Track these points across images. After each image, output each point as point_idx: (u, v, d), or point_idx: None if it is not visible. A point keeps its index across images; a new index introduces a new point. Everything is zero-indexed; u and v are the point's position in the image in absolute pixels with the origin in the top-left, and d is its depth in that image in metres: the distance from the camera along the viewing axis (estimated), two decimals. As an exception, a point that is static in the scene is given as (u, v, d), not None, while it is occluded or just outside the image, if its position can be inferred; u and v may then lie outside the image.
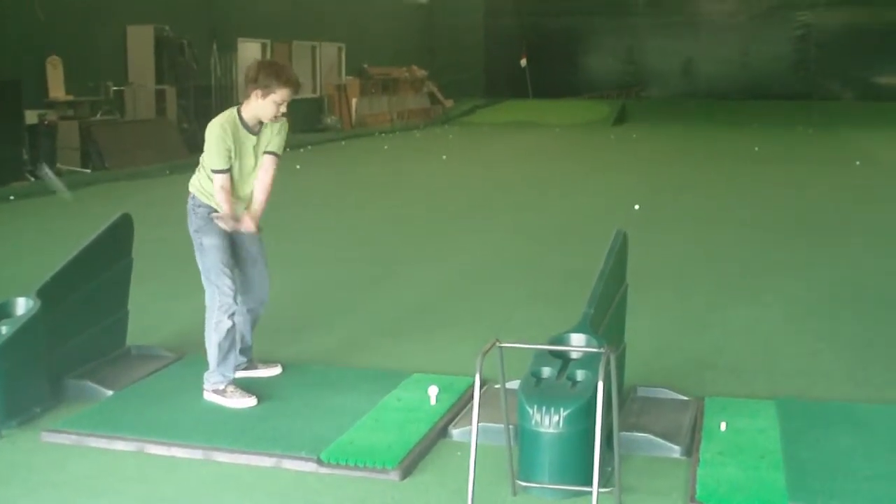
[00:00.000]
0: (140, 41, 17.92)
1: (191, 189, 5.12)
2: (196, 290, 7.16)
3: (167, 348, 5.89)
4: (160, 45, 17.90)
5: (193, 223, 5.08)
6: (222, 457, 4.37)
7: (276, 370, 5.48)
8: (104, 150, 15.70)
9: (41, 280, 5.15)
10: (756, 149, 20.20)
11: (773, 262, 8.88)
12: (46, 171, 12.22)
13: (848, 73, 32.84)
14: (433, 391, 4.99)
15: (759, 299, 7.42)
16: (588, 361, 4.20)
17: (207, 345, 5.08)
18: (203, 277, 5.10)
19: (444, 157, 19.27)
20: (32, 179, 14.09)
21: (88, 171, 15.32)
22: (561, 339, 4.37)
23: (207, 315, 5.10)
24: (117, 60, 17.73)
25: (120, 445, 4.49)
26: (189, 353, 5.83)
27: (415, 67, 29.48)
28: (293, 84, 4.97)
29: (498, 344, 3.78)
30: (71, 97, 16.15)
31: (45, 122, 14.90)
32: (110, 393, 5.13)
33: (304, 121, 23.15)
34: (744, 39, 34.05)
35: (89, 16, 16.91)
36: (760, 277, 8.19)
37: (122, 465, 4.33)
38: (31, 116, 14.69)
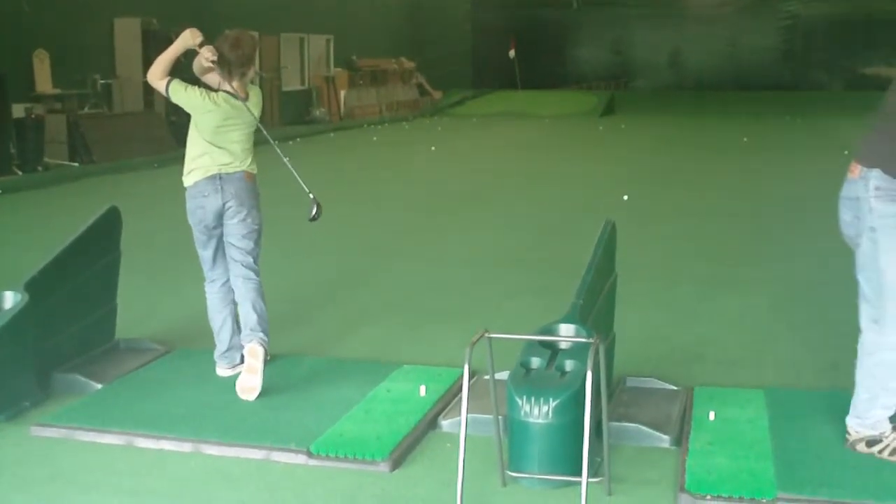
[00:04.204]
0: (127, 34, 17.86)
1: (253, 171, 5.24)
2: (184, 284, 7.17)
3: (156, 341, 5.88)
4: (147, 37, 17.83)
5: (259, 205, 5.24)
6: (212, 450, 4.36)
7: None
8: (92, 143, 15.63)
9: (29, 274, 5.13)
10: (744, 139, 20.24)
11: (762, 251, 8.90)
12: None
13: (835, 63, 32.97)
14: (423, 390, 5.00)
15: (747, 289, 7.45)
16: (577, 352, 4.20)
17: (261, 311, 5.16)
18: (255, 259, 5.23)
19: (433, 148, 19.25)
20: (20, 173, 14.04)
21: (76, 164, 15.26)
22: (550, 330, 4.38)
23: (255, 287, 5.18)
24: (104, 53, 17.67)
25: (109, 439, 4.49)
26: (178, 346, 5.83)
27: (403, 59, 29.44)
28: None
29: (487, 335, 3.78)
30: (58, 90, 16.08)
31: (33, 116, 14.83)
32: (99, 386, 5.12)
33: (293, 113, 23.10)
34: (731, 30, 34.18)
35: (76, 9, 16.85)
36: (749, 267, 8.21)
37: (112, 458, 4.33)
38: (17, 110, 14.62)
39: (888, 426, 4.23)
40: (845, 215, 4.32)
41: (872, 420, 4.23)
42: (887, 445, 4.18)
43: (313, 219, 5.28)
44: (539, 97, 29.99)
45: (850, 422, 4.31)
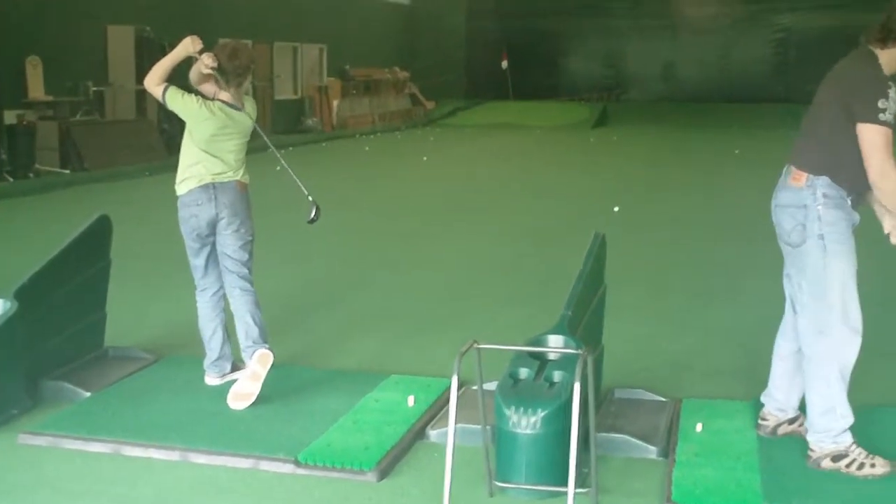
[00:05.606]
0: (120, 41, 17.87)
1: (246, 181, 5.24)
2: (174, 292, 7.16)
3: (145, 350, 5.87)
4: (140, 45, 17.85)
5: (251, 214, 5.25)
6: (199, 458, 4.36)
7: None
8: (83, 150, 15.61)
9: (19, 281, 5.12)
10: (736, 151, 20.29)
11: (751, 263, 8.90)
12: None
13: (827, 76, 32.98)
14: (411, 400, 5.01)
15: (736, 300, 7.46)
16: (565, 363, 4.21)
17: (261, 322, 5.20)
18: (249, 269, 5.26)
19: (425, 158, 19.27)
20: (11, 180, 14.01)
21: (67, 171, 15.23)
22: (538, 341, 4.39)
23: (252, 298, 5.22)
24: (97, 61, 17.66)
25: (97, 447, 4.48)
26: (167, 355, 5.82)
27: (396, 69, 29.47)
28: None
29: (475, 345, 3.79)
30: (50, 97, 16.05)
31: (24, 123, 14.81)
32: (88, 394, 5.12)
33: (285, 122, 23.09)
34: (724, 43, 34.20)
35: (69, 16, 16.84)
36: (738, 279, 8.23)
37: (99, 466, 4.32)
38: (9, 116, 14.60)
39: (850, 439, 4.19)
40: (786, 224, 4.33)
41: (836, 432, 4.16)
42: (853, 460, 4.14)
43: (312, 221, 5.30)
44: (531, 108, 30.05)
45: (812, 438, 4.24)
